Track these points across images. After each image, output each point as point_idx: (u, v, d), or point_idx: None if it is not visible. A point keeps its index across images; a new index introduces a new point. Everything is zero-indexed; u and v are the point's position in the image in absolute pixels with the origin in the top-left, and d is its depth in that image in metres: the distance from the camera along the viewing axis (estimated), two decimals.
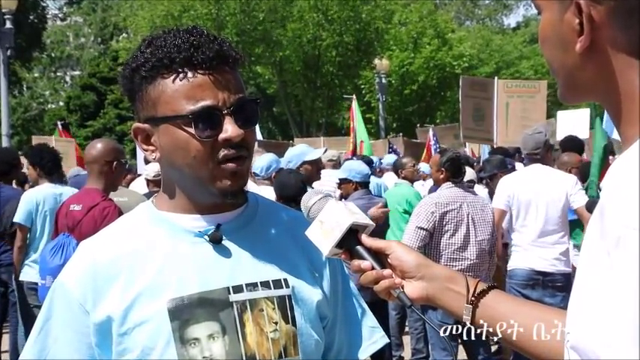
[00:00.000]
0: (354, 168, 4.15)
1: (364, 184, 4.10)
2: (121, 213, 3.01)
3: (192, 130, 0.95)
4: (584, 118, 7.27)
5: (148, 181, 5.54)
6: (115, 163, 3.09)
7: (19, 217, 3.94)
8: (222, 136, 0.96)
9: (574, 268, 4.16)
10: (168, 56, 0.96)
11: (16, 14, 13.07)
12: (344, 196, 4.12)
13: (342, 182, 4.16)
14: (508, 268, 3.90)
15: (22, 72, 27.48)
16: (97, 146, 3.19)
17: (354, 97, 10.95)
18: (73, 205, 3.10)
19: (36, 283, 3.54)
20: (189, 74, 0.95)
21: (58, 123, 9.95)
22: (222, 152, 0.97)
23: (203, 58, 0.95)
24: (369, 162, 6.54)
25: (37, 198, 3.97)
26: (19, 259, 4.06)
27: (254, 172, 4.13)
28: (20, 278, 4.05)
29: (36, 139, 12.71)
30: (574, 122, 7.14)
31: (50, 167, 4.15)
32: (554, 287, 3.80)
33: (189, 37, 0.97)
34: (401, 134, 9.90)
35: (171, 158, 0.99)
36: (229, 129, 0.96)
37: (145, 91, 0.98)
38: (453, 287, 0.94)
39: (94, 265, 1.00)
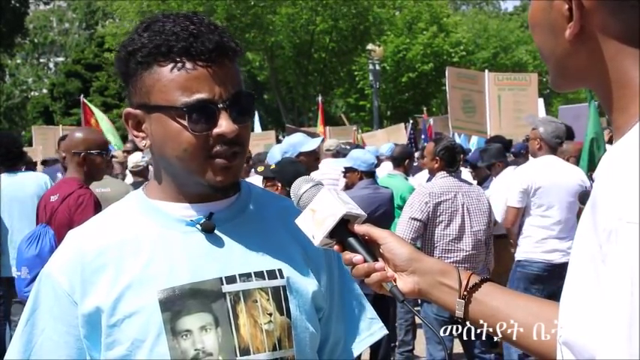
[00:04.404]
0: (360, 157, 4.08)
1: (370, 174, 4.04)
2: (97, 202, 2.91)
3: (185, 123, 0.94)
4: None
5: (131, 172, 5.41)
6: (82, 154, 2.99)
7: None
8: (216, 131, 0.94)
9: None
10: (166, 44, 0.93)
11: None
12: (349, 186, 4.03)
13: (348, 171, 4.10)
14: (519, 258, 3.84)
15: (4, 59, 26.92)
16: (69, 136, 3.14)
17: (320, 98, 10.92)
18: (52, 196, 3.02)
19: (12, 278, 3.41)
20: (187, 65, 0.93)
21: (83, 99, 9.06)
22: (215, 148, 0.95)
23: (202, 49, 0.93)
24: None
25: None
26: None
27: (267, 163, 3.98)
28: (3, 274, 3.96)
29: (38, 130, 12.24)
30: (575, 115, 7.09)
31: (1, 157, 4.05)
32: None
33: (189, 26, 0.94)
34: (430, 118, 9.53)
35: (162, 148, 0.97)
36: (224, 124, 0.94)
37: (140, 76, 0.96)
38: (445, 281, 0.92)
39: (81, 255, 0.97)
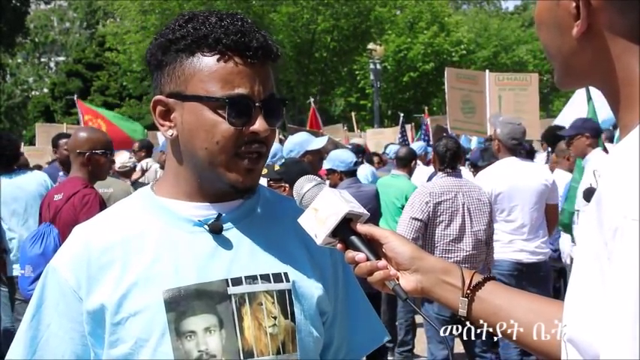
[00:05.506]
0: (338, 157, 4.11)
1: (350, 173, 4.07)
2: (102, 202, 2.92)
3: (224, 114, 0.93)
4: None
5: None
6: (87, 154, 2.99)
7: None
8: (251, 128, 0.95)
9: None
10: (214, 36, 0.93)
11: None
12: (331, 187, 4.02)
13: (329, 173, 4.12)
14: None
15: (5, 58, 26.89)
16: (73, 136, 3.14)
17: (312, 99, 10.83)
18: (56, 196, 3.02)
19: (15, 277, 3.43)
20: (236, 59, 0.93)
21: (76, 99, 8.91)
22: (245, 147, 0.96)
23: (250, 46, 0.94)
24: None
25: None
26: None
27: None
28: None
29: (41, 128, 12.14)
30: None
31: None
32: (537, 277, 3.77)
33: (236, 22, 0.95)
34: (428, 118, 9.44)
35: (191, 138, 0.96)
36: (258, 122, 0.95)
37: (179, 65, 0.95)
38: (448, 280, 0.92)
39: (87, 251, 0.97)
